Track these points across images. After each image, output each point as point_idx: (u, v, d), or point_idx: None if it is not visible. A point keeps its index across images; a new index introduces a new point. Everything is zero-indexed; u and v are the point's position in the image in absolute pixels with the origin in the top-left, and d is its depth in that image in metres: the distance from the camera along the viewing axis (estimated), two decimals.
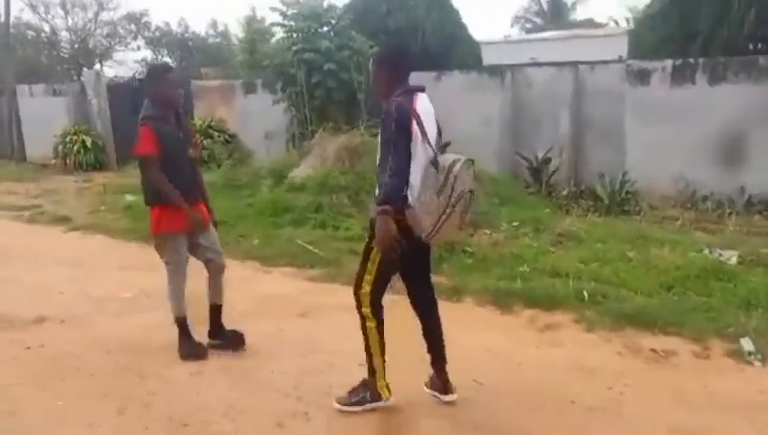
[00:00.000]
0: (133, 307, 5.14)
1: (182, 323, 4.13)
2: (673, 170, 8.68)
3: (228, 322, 4.28)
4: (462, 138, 9.99)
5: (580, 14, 37.23)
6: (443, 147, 3.20)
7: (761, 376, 3.72)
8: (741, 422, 3.25)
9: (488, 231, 7.46)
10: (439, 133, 3.23)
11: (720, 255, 6.15)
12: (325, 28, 11.05)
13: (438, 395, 3.43)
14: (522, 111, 10.35)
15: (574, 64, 9.92)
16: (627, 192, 8.88)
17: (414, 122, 3.05)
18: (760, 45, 8.79)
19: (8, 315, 4.97)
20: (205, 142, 12.42)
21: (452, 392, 3.42)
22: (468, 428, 3.23)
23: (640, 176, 8.85)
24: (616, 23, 36.21)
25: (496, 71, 10.69)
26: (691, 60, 8.68)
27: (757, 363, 3.88)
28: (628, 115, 9.22)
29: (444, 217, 3.03)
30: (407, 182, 3.05)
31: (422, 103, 3.16)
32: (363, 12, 12.23)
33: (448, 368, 3.45)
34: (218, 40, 32.27)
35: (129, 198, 10.13)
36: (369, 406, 3.35)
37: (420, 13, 12.32)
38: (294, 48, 10.91)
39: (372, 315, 3.25)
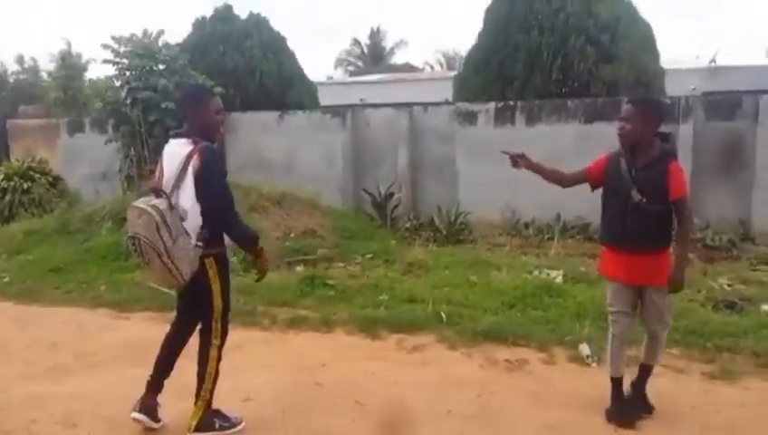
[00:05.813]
0: None
1: None
2: (500, 202, 9.57)
3: (99, 370, 4.08)
4: (307, 175, 10.50)
5: (398, 59, 39.78)
6: (160, 191, 3.26)
7: (598, 375, 4.29)
8: (588, 412, 3.76)
9: (342, 264, 7.77)
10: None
11: (548, 274, 6.96)
12: (161, 66, 10.85)
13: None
14: (363, 149, 10.86)
15: (409, 105, 10.64)
16: (461, 223, 9.64)
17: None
18: (565, 90, 10.05)
19: None
20: (25, 186, 11.48)
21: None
22: None
23: (472, 207, 9.66)
24: (431, 67, 39.17)
25: (338, 111, 11.13)
26: (511, 103, 9.73)
27: (594, 365, 4.49)
28: (459, 153, 10.07)
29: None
30: None
31: (168, 147, 3.51)
32: (200, 51, 12.14)
33: (331, 391, 3.84)
34: (24, 77, 29.80)
35: None
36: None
37: (257, 53, 12.48)
38: (128, 86, 10.61)
39: None
